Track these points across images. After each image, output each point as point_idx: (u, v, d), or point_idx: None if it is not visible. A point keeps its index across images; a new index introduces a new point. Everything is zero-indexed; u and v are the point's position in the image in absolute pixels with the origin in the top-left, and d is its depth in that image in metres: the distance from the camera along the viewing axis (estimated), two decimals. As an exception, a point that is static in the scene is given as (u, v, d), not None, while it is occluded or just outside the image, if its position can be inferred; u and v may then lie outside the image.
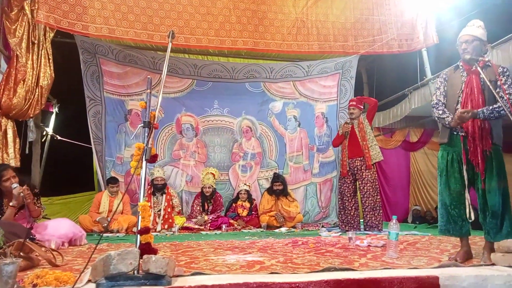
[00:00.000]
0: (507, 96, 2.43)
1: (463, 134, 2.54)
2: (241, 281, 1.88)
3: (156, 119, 2.15)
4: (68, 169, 6.82)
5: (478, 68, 2.53)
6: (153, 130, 2.10)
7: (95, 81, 5.80)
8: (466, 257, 2.54)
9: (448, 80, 2.69)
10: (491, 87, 2.44)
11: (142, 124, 2.07)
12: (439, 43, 5.22)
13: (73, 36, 5.40)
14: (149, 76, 2.20)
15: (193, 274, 2.06)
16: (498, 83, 2.47)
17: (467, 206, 2.54)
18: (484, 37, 2.63)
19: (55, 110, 6.95)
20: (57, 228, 3.43)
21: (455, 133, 2.58)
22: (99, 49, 5.73)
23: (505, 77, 2.51)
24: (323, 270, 2.18)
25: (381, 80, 7.62)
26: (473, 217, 2.54)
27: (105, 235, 4.65)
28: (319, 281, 1.93)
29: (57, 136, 7.00)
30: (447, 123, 2.57)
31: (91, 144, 5.80)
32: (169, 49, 2.48)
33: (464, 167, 2.52)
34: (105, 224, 4.98)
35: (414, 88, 6.20)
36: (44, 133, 6.75)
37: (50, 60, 4.86)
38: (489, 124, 2.49)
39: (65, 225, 3.56)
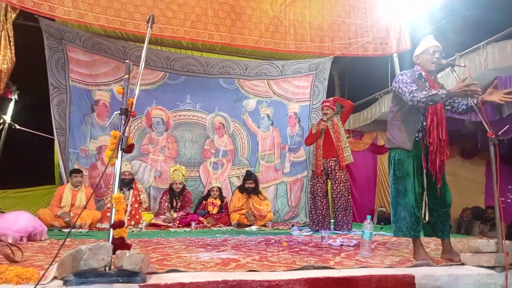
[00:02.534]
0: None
1: (425, 143, 2.64)
2: (219, 278, 1.82)
3: (133, 108, 2.04)
4: (26, 161, 6.40)
5: (455, 74, 2.63)
6: (130, 118, 1.98)
7: (60, 69, 5.49)
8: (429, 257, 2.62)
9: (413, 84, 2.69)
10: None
11: (119, 112, 1.95)
12: (411, 49, 5.39)
13: (37, 20, 5.07)
14: (127, 61, 2.07)
15: (168, 271, 1.97)
16: None
17: (424, 208, 2.67)
18: None
19: (14, 97, 6.49)
20: (14, 221, 3.18)
21: (417, 139, 2.65)
22: (66, 35, 5.43)
23: None
24: (301, 269, 2.16)
25: (353, 83, 7.78)
26: (427, 218, 2.65)
27: (67, 230, 4.40)
28: (299, 279, 1.91)
29: (16, 125, 6.55)
30: (444, 94, 2.40)
31: (53, 135, 5.48)
32: (148, 35, 2.36)
33: (425, 172, 2.65)
34: (67, 219, 4.72)
35: (384, 93, 6.36)
36: (1, 121, 6.30)
37: (11, 43, 4.51)
38: (447, 135, 2.63)
39: (24, 218, 3.31)
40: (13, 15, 4.60)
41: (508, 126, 2.46)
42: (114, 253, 1.68)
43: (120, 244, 1.77)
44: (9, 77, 4.68)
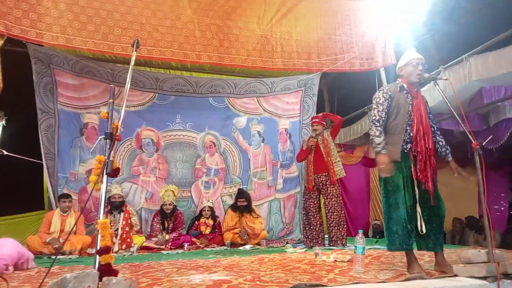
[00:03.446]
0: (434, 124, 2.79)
1: (414, 153, 2.66)
2: (209, 302, 1.78)
3: (118, 131, 2.03)
4: (14, 187, 6.30)
5: (438, 87, 2.68)
6: (115, 142, 1.97)
7: (48, 93, 5.48)
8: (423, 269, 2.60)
9: (393, 99, 2.72)
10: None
11: (104, 136, 1.94)
12: (396, 63, 5.49)
13: (25, 45, 5.09)
14: (112, 85, 2.08)
15: (157, 297, 1.93)
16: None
17: (419, 220, 2.64)
18: None
19: (2, 123, 6.45)
20: None
21: (406, 151, 2.67)
22: (54, 59, 5.44)
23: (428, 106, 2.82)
24: (293, 287, 2.13)
25: (342, 98, 7.88)
26: (424, 230, 2.63)
27: (55, 257, 4.29)
28: (291, 299, 1.87)
29: (3, 151, 6.47)
30: (376, 149, 2.64)
31: (41, 160, 5.42)
32: (133, 59, 2.39)
33: (416, 183, 2.64)
34: (57, 245, 4.62)
35: (373, 106, 6.43)
36: (-12, 147, 6.22)
37: (-1, 69, 4.52)
38: (433, 144, 2.68)
39: (8, 245, 3.20)
40: (1, 42, 4.61)
41: (491, 136, 2.49)
42: (100, 280, 1.64)
43: (106, 271, 1.73)
44: (-4, 103, 4.66)
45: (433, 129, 2.77)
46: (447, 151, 2.78)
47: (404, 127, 2.66)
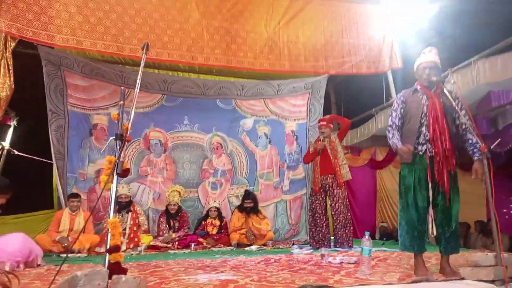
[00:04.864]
0: (467, 121, 2.62)
1: (431, 154, 2.62)
2: (216, 301, 1.80)
3: (128, 133, 2.07)
4: (25, 186, 6.39)
5: (445, 91, 2.67)
6: (125, 143, 2.01)
7: (58, 94, 5.55)
8: (429, 272, 2.60)
9: (406, 103, 2.77)
10: (457, 109, 2.60)
11: (114, 137, 1.99)
12: (403, 66, 5.50)
13: (36, 47, 5.17)
14: (122, 87, 2.12)
15: (165, 295, 1.96)
16: (456, 107, 2.62)
17: (430, 222, 2.63)
18: (440, 64, 2.78)
19: (13, 123, 6.56)
20: (7, 243, 3.12)
21: (420, 153, 2.66)
22: (64, 61, 5.52)
23: (460, 103, 2.69)
24: (299, 288, 2.15)
25: (349, 100, 7.87)
26: (435, 233, 2.62)
27: (65, 255, 4.36)
28: (297, 299, 1.89)
29: (14, 150, 6.58)
30: (393, 147, 2.73)
31: (51, 160, 5.50)
32: (143, 61, 2.42)
33: (430, 185, 2.61)
34: (66, 244, 4.68)
35: (380, 109, 6.43)
36: (0, 147, 6.33)
37: (11, 71, 4.61)
38: (452, 145, 2.62)
39: (19, 241, 3.23)
40: (13, 44, 4.70)
41: (500, 139, 2.49)
42: (110, 278, 1.68)
43: (116, 269, 1.76)
44: (8, 104, 4.75)
45: (462, 128, 2.66)
46: (475, 150, 2.58)
47: (418, 129, 2.66)
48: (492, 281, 2.22)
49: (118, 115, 2.02)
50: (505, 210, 7.23)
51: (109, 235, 1.80)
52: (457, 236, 2.65)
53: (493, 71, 4.35)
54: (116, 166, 1.89)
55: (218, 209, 5.87)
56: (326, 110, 7.17)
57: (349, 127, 5.38)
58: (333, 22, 5.60)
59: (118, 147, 1.94)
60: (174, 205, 5.58)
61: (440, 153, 2.58)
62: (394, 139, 2.70)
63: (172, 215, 5.59)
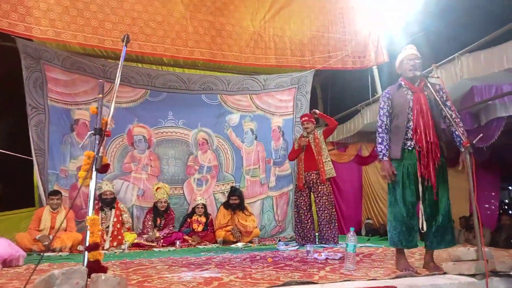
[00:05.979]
0: (454, 113, 2.63)
1: (418, 149, 2.62)
2: (199, 299, 1.76)
3: (108, 128, 2.00)
4: (5, 184, 6.21)
5: (428, 84, 2.67)
6: (105, 138, 1.94)
7: (38, 88, 5.38)
8: (413, 267, 2.61)
9: (392, 100, 2.77)
10: (440, 103, 2.60)
11: (93, 131, 1.91)
12: (389, 61, 5.52)
13: (14, 40, 5.00)
14: (101, 80, 2.05)
15: (146, 294, 1.91)
16: (439, 100, 2.62)
17: (420, 217, 2.62)
18: (420, 57, 2.80)
19: (-9, 119, 6.35)
20: None
21: (409, 148, 2.65)
22: (44, 55, 5.35)
23: (445, 94, 2.70)
24: (283, 285, 2.12)
25: (335, 96, 7.88)
26: (425, 228, 2.62)
27: (46, 254, 4.25)
28: (282, 296, 1.87)
29: (-7, 147, 6.37)
30: (379, 156, 2.73)
31: (31, 156, 5.34)
32: (123, 54, 2.34)
33: (419, 180, 2.61)
34: (46, 243, 4.56)
35: (366, 104, 6.45)
36: (-23, 144, 6.12)
37: (-14, 64, 4.46)
38: (437, 139, 2.62)
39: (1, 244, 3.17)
40: (-11, 36, 4.54)
41: (482, 134, 2.50)
42: (89, 276, 1.62)
43: (95, 267, 1.71)
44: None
45: (448, 119, 2.61)
46: (461, 141, 2.53)
47: (405, 125, 2.66)
48: (473, 275, 2.24)
49: (97, 109, 1.95)
50: (487, 206, 7.36)
51: (88, 232, 1.74)
52: (445, 230, 2.61)
53: (477, 66, 4.39)
54: (95, 162, 1.82)
55: (204, 206, 5.80)
56: (313, 106, 7.16)
57: (336, 127, 5.33)
58: (319, 16, 5.58)
59: (97, 142, 1.87)
60: (164, 202, 5.49)
61: (424, 147, 2.58)
62: (383, 147, 2.67)
63: (160, 213, 5.50)
